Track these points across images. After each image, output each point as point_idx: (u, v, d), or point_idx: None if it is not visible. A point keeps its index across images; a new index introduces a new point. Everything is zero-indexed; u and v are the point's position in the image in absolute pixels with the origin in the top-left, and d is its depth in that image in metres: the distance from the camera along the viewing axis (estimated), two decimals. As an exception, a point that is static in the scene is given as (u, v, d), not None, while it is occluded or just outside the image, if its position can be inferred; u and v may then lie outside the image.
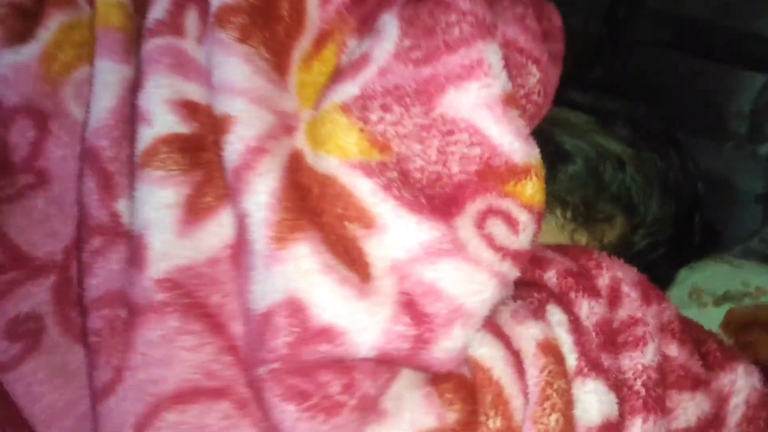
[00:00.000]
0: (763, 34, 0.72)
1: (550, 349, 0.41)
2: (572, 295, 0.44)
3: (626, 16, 0.73)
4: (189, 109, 0.41)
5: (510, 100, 0.40)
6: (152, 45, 0.42)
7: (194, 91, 0.41)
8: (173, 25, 0.42)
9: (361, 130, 0.39)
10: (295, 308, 0.36)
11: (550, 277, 0.46)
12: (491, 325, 0.42)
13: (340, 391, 0.37)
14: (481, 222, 0.40)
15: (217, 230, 0.40)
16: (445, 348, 0.38)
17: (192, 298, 0.38)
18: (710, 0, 0.73)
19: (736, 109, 0.76)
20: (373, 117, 0.39)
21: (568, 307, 0.44)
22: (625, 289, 0.46)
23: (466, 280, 0.38)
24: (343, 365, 0.37)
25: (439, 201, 0.40)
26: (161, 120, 0.40)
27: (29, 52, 0.45)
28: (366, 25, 0.43)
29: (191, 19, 0.43)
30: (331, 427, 0.36)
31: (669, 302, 0.47)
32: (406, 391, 0.39)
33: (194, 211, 0.39)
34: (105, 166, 0.41)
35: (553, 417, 0.39)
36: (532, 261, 0.45)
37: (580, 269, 0.46)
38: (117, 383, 0.38)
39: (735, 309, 0.58)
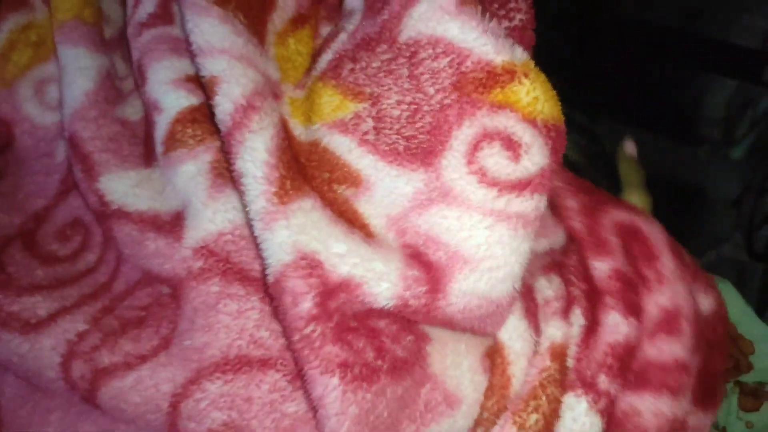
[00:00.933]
0: (732, 42, 0.74)
1: (558, 357, 0.39)
2: (607, 299, 0.41)
3: (596, 22, 0.74)
4: (193, 82, 0.41)
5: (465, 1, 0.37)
6: (148, 36, 0.42)
7: (191, 67, 0.41)
8: (164, 15, 0.43)
9: (335, 87, 0.39)
10: (310, 264, 0.34)
11: (599, 268, 0.41)
12: (533, 316, 0.40)
13: (375, 357, 0.35)
14: (472, 153, 0.36)
15: None
16: (458, 297, 0.36)
17: (231, 263, 0.38)
18: (680, 8, 0.74)
19: (708, 114, 0.77)
20: (345, 72, 0.39)
21: (594, 312, 0.41)
22: (684, 324, 0.41)
23: (456, 226, 0.36)
24: (371, 329, 0.35)
25: (421, 140, 0.37)
26: (170, 101, 0.40)
27: None
28: (336, 12, 0.44)
29: (176, 7, 0.43)
30: (373, 395, 0.34)
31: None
32: (467, 368, 0.37)
33: (221, 175, 0.39)
34: (83, 149, 0.41)
35: (534, 417, 0.37)
36: (593, 233, 0.41)
37: (635, 275, 0.42)
38: (160, 350, 0.37)
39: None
